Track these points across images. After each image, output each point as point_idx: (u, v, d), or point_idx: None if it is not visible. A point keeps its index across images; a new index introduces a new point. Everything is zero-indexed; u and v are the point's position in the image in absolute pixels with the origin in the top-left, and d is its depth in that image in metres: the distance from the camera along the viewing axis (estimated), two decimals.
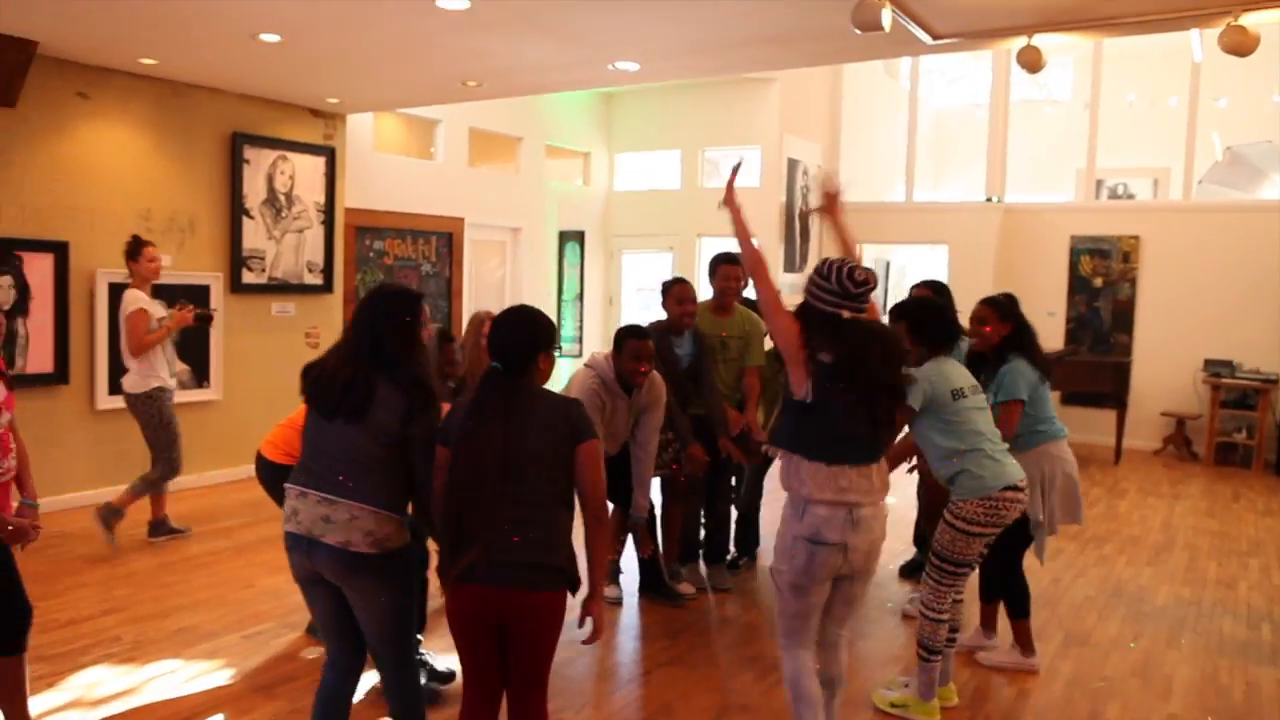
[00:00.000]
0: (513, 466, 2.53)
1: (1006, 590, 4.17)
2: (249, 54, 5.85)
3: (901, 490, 5.86)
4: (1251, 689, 4.04)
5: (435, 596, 4.36)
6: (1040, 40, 4.87)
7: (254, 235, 7.29)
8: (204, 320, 5.86)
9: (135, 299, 5.51)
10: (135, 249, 5.59)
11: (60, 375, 6.18)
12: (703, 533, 5.27)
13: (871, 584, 5.25)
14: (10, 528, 2.96)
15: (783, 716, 3.67)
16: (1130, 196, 11.78)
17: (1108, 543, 6.30)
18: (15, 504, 3.12)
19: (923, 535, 5.38)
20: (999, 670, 4.15)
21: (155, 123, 6.68)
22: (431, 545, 3.11)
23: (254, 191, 7.28)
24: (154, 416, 5.54)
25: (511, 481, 2.53)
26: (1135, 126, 11.21)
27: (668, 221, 10.67)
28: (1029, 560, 4.21)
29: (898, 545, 5.70)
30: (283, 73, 6.42)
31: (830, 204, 3.57)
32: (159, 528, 5.72)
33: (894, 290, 12.70)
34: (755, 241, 3.11)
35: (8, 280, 5.90)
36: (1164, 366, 9.40)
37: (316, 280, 7.75)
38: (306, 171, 7.65)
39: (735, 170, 3.39)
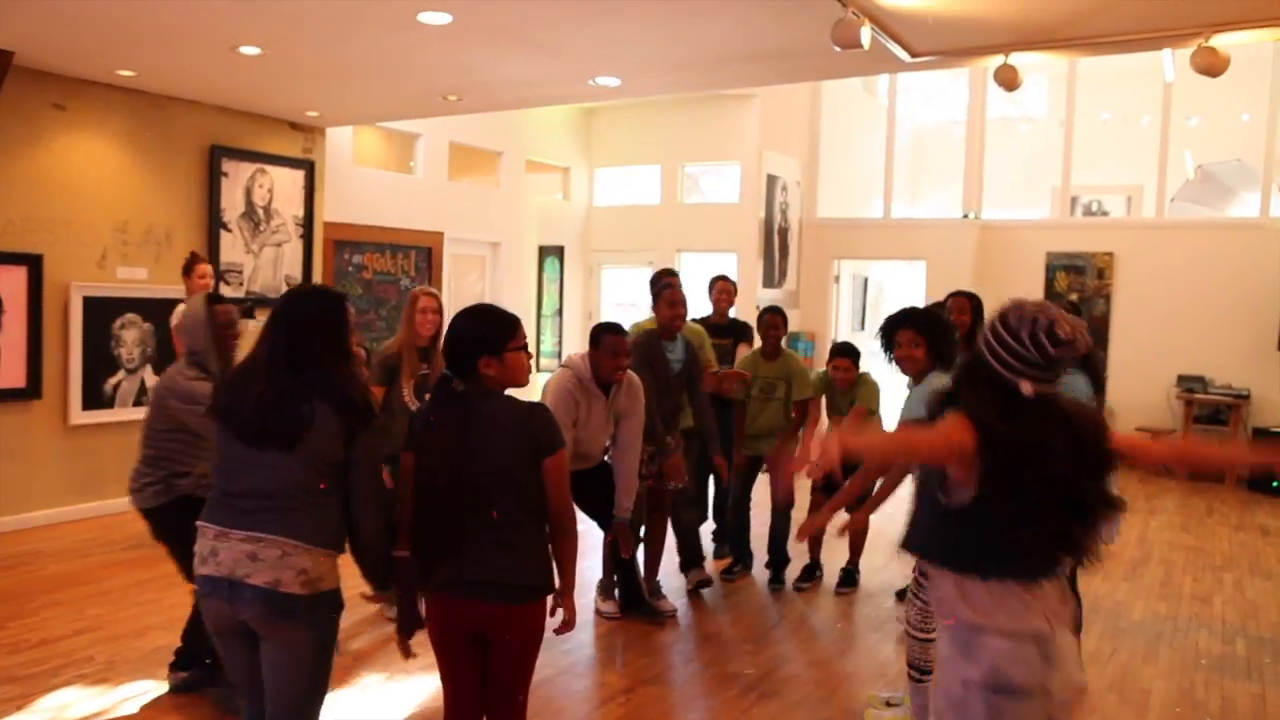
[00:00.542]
0: (474, 485, 2.43)
1: None
2: (229, 67, 5.82)
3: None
4: (1227, 703, 4.07)
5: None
6: (1016, 59, 4.94)
7: (232, 249, 7.24)
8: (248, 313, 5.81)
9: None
10: (189, 265, 5.89)
11: (33, 390, 6.10)
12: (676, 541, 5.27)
13: (867, 601, 5.29)
14: None
15: None
16: (1104, 213, 11.94)
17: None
18: None
19: None
20: None
21: (132, 135, 6.63)
22: (353, 581, 2.73)
23: (232, 205, 7.23)
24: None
25: (476, 500, 2.43)
26: (1109, 144, 11.36)
27: (647, 237, 10.69)
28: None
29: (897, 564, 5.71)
30: (262, 85, 6.40)
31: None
32: None
33: (872, 308, 12.79)
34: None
35: None
36: (1138, 382, 9.50)
37: None
38: (285, 185, 7.61)
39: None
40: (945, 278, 10.27)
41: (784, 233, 10.81)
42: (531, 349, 2.70)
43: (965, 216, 10.57)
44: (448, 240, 9.27)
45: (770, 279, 10.42)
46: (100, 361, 6.41)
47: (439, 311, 4.63)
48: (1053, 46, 4.93)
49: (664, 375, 4.79)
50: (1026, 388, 2.08)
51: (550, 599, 2.60)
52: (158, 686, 3.89)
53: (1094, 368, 3.92)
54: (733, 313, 6.01)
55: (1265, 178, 9.64)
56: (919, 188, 13.38)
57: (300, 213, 7.72)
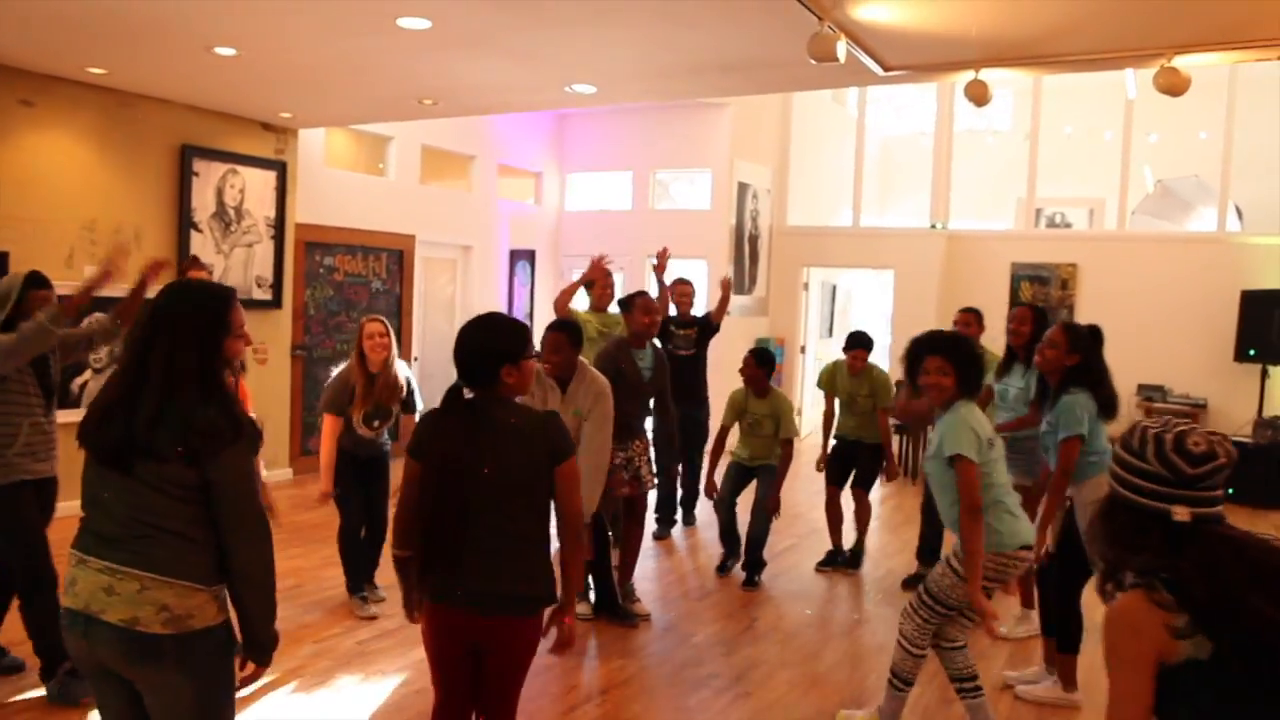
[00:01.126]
0: (490, 494, 2.42)
1: (1060, 622, 4.01)
2: (202, 66, 5.80)
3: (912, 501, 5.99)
4: None
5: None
6: (986, 74, 5.06)
7: (202, 249, 7.18)
8: None
9: None
10: (186, 268, 5.88)
11: None
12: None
13: (838, 604, 5.40)
14: None
15: None
16: (1067, 225, 12.17)
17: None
18: None
19: (926, 550, 5.59)
20: (1038, 705, 4.05)
21: (102, 133, 6.57)
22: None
23: (203, 205, 7.19)
24: None
25: (484, 511, 2.43)
26: (1072, 158, 11.59)
27: (619, 242, 10.71)
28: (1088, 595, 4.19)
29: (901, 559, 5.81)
30: (236, 86, 6.37)
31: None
32: None
33: (840, 315, 12.94)
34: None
35: None
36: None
37: (266, 296, 7.67)
38: (257, 186, 7.57)
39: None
40: (913, 286, 10.47)
41: (754, 240, 10.93)
42: None
43: (932, 227, 10.75)
44: (419, 243, 9.27)
45: (740, 285, 10.52)
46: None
47: (386, 335, 4.80)
48: (1022, 64, 5.06)
49: (635, 382, 4.87)
50: (1181, 513, 1.70)
51: (546, 613, 2.59)
52: None
53: (1102, 390, 3.94)
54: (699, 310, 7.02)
55: (1221, 194, 9.91)
56: (887, 198, 13.56)
57: (272, 213, 7.69)
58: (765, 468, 5.68)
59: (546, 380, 4.35)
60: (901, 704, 3.62)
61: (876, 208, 13.00)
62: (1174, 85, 4.60)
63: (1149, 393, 9.52)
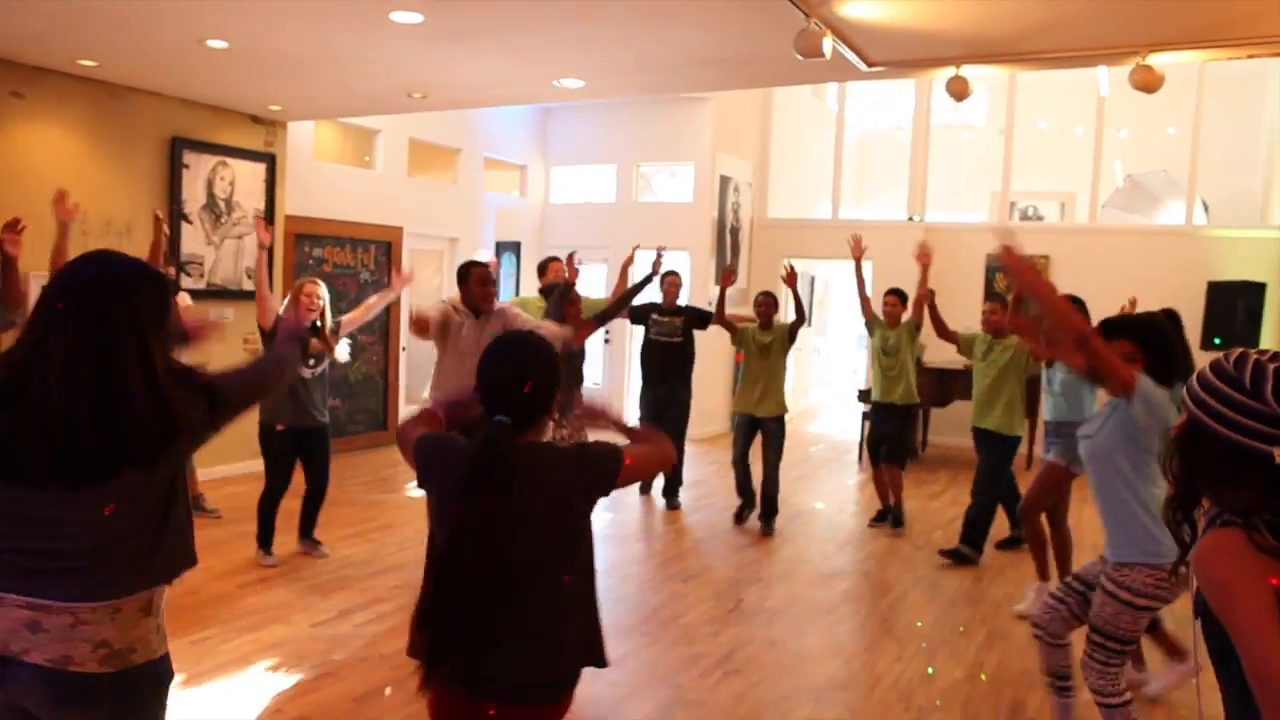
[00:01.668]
0: (520, 564, 1.93)
1: None
2: (194, 59, 5.76)
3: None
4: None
5: None
6: (966, 70, 5.13)
7: (193, 240, 7.16)
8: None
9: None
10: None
11: None
12: None
13: (822, 584, 5.46)
14: None
15: (727, 711, 3.78)
16: (1040, 218, 12.30)
17: (1023, 543, 6.58)
18: None
19: (1016, 512, 6.00)
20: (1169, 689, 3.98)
21: (92, 125, 6.52)
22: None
23: (193, 196, 7.15)
24: None
25: (518, 584, 1.93)
26: (1045, 153, 11.70)
27: (602, 234, 10.75)
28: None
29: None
30: (226, 79, 6.34)
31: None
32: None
33: (819, 305, 13.02)
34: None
35: None
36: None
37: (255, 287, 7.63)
38: (246, 178, 7.54)
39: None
40: (891, 277, 10.53)
41: (735, 232, 10.98)
42: None
43: (910, 219, 10.83)
44: (407, 235, 9.25)
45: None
46: None
47: (322, 300, 5.31)
48: (1002, 60, 5.13)
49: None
50: None
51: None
52: None
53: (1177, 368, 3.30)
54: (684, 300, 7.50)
55: (1189, 188, 10.06)
56: (865, 191, 13.64)
57: (261, 205, 7.65)
58: (774, 419, 6.49)
59: (464, 309, 4.97)
60: None
61: (855, 200, 13.08)
62: (1148, 82, 4.69)
63: None
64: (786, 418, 6.60)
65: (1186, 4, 4.12)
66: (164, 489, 1.85)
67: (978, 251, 10.45)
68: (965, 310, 10.27)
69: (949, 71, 5.15)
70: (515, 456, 1.92)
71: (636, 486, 6.76)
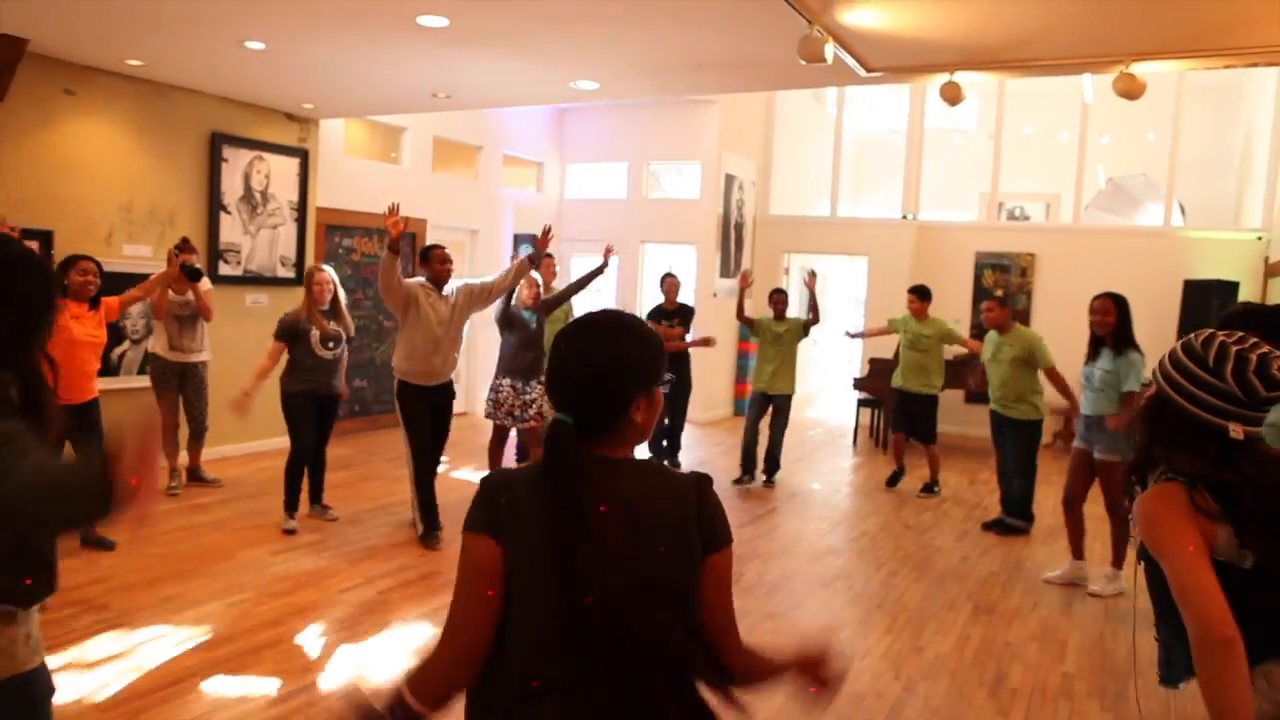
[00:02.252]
0: (605, 626, 1.33)
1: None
2: (233, 60, 5.76)
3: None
4: (1133, 651, 4.29)
5: None
6: (960, 77, 5.08)
7: (231, 230, 7.16)
8: (192, 274, 5.78)
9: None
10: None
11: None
12: None
13: (817, 561, 5.47)
14: None
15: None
16: (1026, 218, 12.23)
17: (1009, 527, 6.57)
18: None
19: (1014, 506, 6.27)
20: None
21: (138, 120, 6.52)
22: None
23: (231, 189, 7.15)
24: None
25: (600, 654, 1.34)
26: (1032, 156, 11.62)
27: (614, 228, 10.73)
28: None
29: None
30: (263, 78, 6.33)
31: None
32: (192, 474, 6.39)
33: (818, 297, 12.95)
34: None
35: None
36: None
37: (289, 274, 7.65)
38: (281, 171, 7.53)
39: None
40: (886, 272, 10.52)
41: (739, 227, 10.94)
42: None
43: (904, 217, 10.78)
44: (431, 227, 9.23)
45: (726, 269, 10.55)
46: (107, 332, 6.29)
47: (332, 283, 5.55)
48: (993, 67, 5.08)
49: (525, 333, 6.10)
50: (1236, 431, 1.57)
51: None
52: (173, 630, 3.92)
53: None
54: (681, 299, 7.72)
55: (1167, 191, 9.98)
56: (862, 190, 13.58)
57: (295, 198, 7.65)
58: (783, 396, 7.06)
59: (430, 287, 5.24)
60: None
61: (852, 199, 13.02)
62: (1131, 90, 4.65)
63: None
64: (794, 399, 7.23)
65: (1168, 17, 4.08)
66: None
67: (968, 249, 10.40)
68: (956, 303, 10.26)
69: (943, 77, 5.10)
70: (599, 472, 1.37)
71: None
